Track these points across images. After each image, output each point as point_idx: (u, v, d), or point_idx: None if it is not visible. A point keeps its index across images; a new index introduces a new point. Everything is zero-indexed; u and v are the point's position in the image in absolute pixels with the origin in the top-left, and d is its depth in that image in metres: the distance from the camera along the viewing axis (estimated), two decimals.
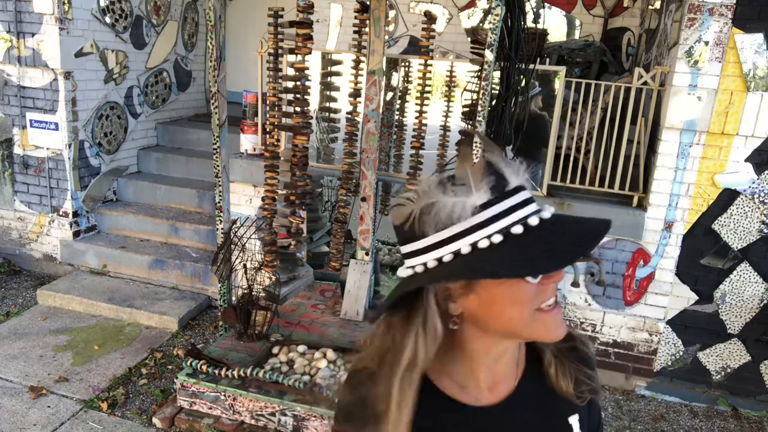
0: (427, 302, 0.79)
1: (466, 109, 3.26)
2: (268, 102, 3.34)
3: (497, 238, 0.74)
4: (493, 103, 3.07)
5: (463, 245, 0.74)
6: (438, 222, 0.75)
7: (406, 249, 0.80)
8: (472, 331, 0.84)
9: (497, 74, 3.04)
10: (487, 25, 4.42)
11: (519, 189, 0.76)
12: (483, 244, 0.74)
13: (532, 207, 0.77)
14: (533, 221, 0.75)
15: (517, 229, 0.74)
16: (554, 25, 5.95)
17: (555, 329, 0.81)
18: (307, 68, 2.96)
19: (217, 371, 2.96)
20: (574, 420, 0.93)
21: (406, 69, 4.06)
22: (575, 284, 3.46)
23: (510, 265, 0.72)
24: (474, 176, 0.75)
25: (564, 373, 0.91)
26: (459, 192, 0.75)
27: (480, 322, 0.82)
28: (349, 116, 3.54)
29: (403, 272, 0.82)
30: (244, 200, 4.39)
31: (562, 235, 0.75)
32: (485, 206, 0.74)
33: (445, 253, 0.76)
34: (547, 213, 0.77)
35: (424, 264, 0.78)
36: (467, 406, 0.87)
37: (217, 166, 3.14)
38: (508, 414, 0.88)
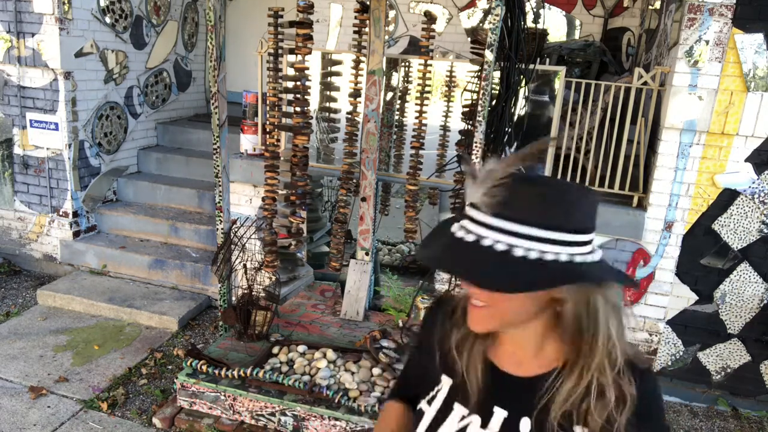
0: None
1: (466, 109, 3.26)
2: (268, 102, 3.34)
3: (463, 226, 0.93)
4: (493, 103, 3.07)
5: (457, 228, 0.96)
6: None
7: None
8: None
9: (497, 74, 3.04)
10: (487, 25, 4.42)
11: (506, 218, 0.89)
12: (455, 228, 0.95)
13: (504, 237, 0.88)
14: (486, 241, 0.89)
15: (462, 234, 0.92)
16: (554, 25, 5.95)
17: (470, 322, 1.01)
18: (307, 68, 2.97)
19: (217, 371, 2.96)
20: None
21: (406, 69, 4.06)
22: None
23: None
24: (484, 183, 0.92)
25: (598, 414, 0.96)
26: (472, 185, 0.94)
27: None
28: (349, 116, 3.54)
29: None
30: (244, 200, 4.39)
31: (468, 252, 0.90)
32: (471, 206, 0.93)
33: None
34: (502, 245, 0.88)
35: None
36: (499, 370, 1.05)
37: (217, 166, 3.14)
38: (534, 386, 0.99)
